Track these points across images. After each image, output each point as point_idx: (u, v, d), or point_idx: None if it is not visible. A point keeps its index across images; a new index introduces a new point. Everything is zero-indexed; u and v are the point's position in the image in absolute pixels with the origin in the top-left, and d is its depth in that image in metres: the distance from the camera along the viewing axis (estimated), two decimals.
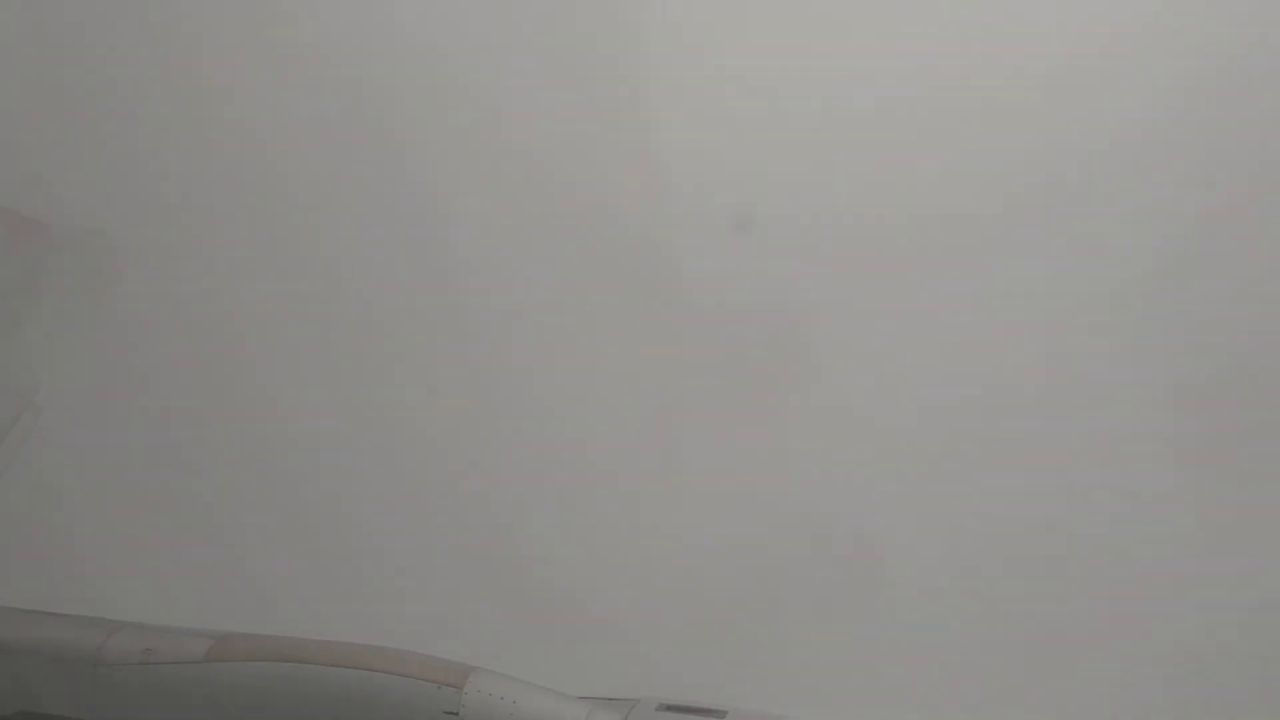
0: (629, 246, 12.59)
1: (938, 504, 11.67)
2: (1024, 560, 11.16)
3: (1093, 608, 11.34)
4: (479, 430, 12.39)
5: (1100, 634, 11.04)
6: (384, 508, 12.05)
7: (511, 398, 12.48)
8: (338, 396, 12.56)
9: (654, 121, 12.46)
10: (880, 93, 12.02)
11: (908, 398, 12.02)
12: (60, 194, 12.16)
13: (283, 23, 12.94)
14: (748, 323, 12.30)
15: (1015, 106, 11.94)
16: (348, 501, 12.09)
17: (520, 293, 12.72)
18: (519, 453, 12.27)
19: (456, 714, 6.87)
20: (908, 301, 12.03)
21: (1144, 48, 11.81)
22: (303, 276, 12.79)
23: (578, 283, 12.73)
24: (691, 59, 12.38)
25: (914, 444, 12.02)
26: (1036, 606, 11.30)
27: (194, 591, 10.97)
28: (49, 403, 10.43)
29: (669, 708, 7.20)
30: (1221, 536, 11.09)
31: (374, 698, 6.94)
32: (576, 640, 10.96)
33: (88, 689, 7.23)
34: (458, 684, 6.94)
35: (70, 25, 12.97)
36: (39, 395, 10.24)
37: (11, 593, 8.27)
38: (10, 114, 12.55)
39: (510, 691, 6.97)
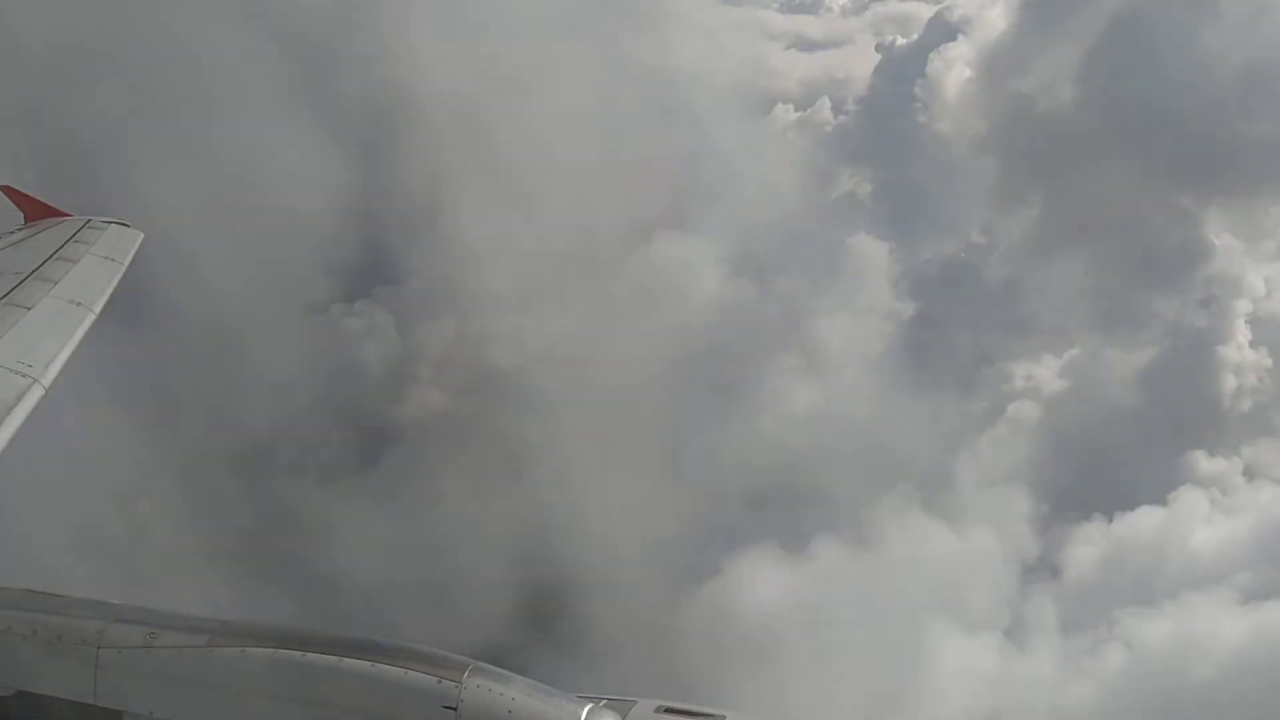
0: None
1: None
2: None
3: None
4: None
5: None
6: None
7: None
8: None
9: None
10: None
11: None
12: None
13: None
14: None
15: None
16: None
17: None
18: None
19: (455, 709, 6.85)
20: None
21: None
22: None
23: None
24: None
25: None
26: None
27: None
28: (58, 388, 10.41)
29: (668, 710, 7.19)
30: None
31: (373, 689, 6.94)
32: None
33: (89, 672, 7.23)
34: (456, 679, 6.92)
35: None
36: (45, 377, 10.20)
37: (14, 574, 8.27)
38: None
39: (509, 688, 6.95)
